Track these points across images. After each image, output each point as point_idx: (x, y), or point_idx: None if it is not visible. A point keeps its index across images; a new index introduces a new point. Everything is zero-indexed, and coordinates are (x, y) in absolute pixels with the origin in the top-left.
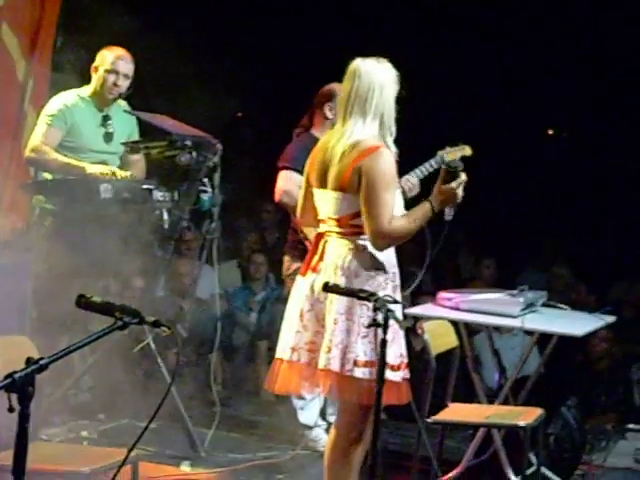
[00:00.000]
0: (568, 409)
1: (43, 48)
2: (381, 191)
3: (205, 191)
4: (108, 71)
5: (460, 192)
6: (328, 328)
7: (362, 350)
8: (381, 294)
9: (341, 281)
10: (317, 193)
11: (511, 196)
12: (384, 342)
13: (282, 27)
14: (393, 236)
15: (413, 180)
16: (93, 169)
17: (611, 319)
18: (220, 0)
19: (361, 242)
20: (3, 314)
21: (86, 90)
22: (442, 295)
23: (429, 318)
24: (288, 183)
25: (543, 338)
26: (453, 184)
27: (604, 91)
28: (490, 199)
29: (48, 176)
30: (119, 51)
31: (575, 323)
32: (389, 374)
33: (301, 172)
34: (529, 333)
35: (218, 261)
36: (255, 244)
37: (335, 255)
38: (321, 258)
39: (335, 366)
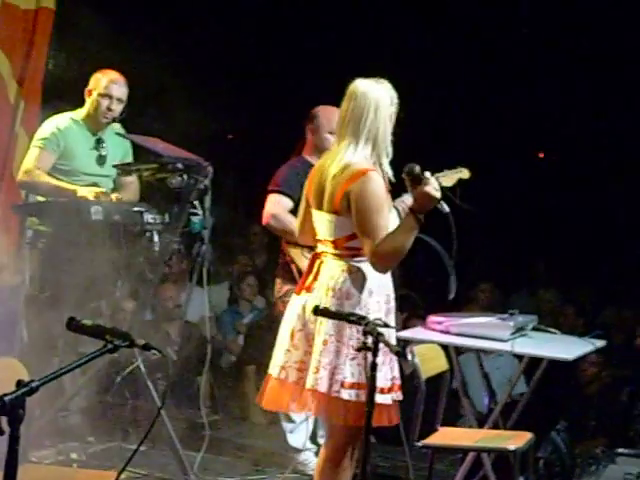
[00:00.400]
0: (558, 433)
1: (35, 70)
2: (372, 214)
3: (196, 214)
4: (102, 95)
5: (433, 190)
6: (317, 348)
7: (350, 372)
8: (372, 317)
9: (332, 302)
10: (314, 214)
11: (502, 219)
12: (374, 365)
13: (273, 47)
14: (383, 255)
15: (408, 201)
16: (84, 191)
17: (601, 343)
18: (213, 20)
19: (355, 264)
20: None
21: (79, 113)
22: (432, 319)
23: (419, 342)
24: (276, 206)
25: (532, 361)
26: (424, 187)
27: (597, 114)
28: (482, 222)
29: (40, 198)
30: (113, 75)
31: (565, 347)
32: (378, 397)
33: (290, 196)
34: (519, 357)
35: (209, 283)
36: (246, 266)
37: (328, 276)
38: (315, 278)
39: (323, 387)
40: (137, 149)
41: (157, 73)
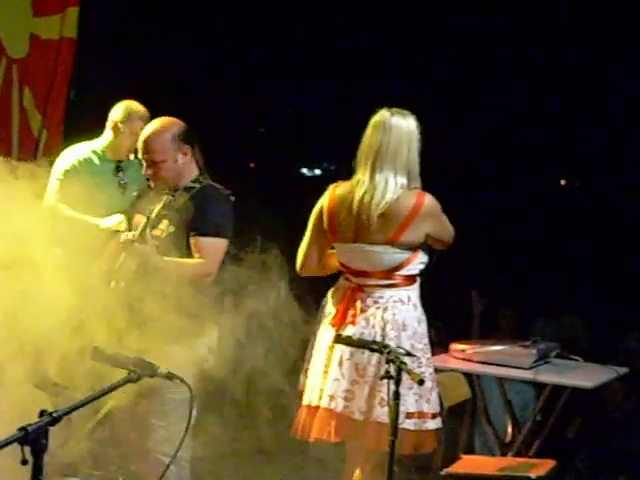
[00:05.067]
0: (581, 461)
1: (57, 100)
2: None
3: None
4: (133, 133)
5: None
6: (378, 380)
7: (410, 402)
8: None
9: (391, 335)
10: (348, 247)
11: (525, 245)
12: (397, 394)
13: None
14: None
15: None
16: (106, 224)
17: (623, 370)
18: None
19: (406, 292)
20: None
21: (99, 143)
22: (455, 346)
23: (442, 370)
24: None
25: (556, 388)
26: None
27: (617, 142)
28: (504, 248)
29: None
30: (145, 114)
31: (587, 375)
32: (431, 423)
33: None
34: (543, 385)
35: None
36: None
37: (382, 308)
38: (363, 310)
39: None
40: None
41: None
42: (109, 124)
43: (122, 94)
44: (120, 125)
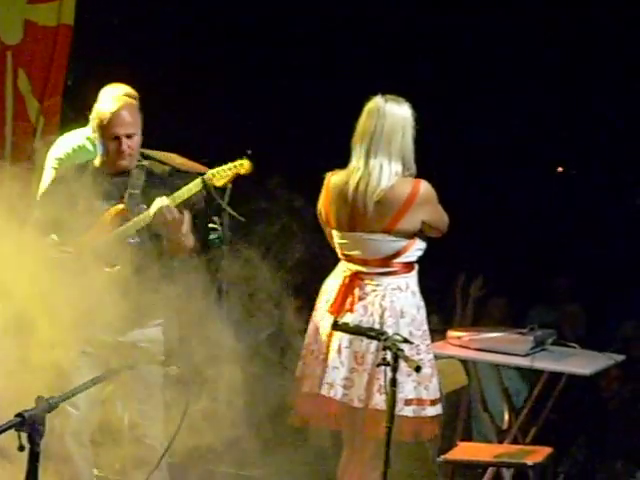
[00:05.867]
0: (578, 448)
1: (54, 87)
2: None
3: (215, 229)
4: None
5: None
6: (376, 368)
7: (409, 389)
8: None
9: (389, 322)
10: (345, 235)
11: (520, 233)
12: (394, 381)
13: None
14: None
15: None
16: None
17: (620, 358)
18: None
19: (404, 280)
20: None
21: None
22: (452, 334)
23: (439, 357)
24: None
25: (552, 376)
26: None
27: (615, 129)
28: (501, 236)
29: None
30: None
31: (584, 362)
32: (431, 409)
33: None
34: (538, 372)
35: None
36: None
37: (380, 295)
38: (361, 298)
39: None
40: None
41: (179, 90)
42: None
43: (120, 81)
44: None
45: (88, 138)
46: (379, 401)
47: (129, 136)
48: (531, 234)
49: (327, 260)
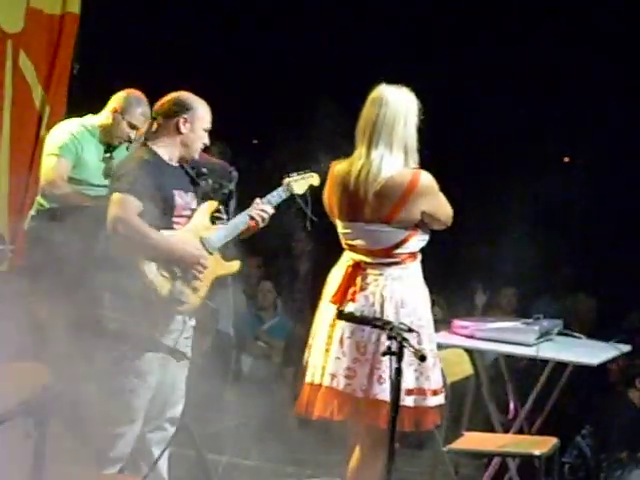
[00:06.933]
0: (583, 438)
1: (60, 75)
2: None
3: (221, 219)
4: (130, 125)
5: None
6: (377, 357)
7: (410, 379)
8: (424, 322)
9: (390, 311)
10: (347, 225)
11: (526, 224)
12: (399, 371)
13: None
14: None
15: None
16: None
17: (626, 348)
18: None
19: (405, 270)
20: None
21: (92, 121)
22: (457, 323)
23: (444, 346)
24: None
25: (558, 365)
26: None
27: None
28: (508, 227)
29: (44, 204)
30: (145, 106)
31: (590, 352)
32: (433, 399)
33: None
34: (544, 362)
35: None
36: (258, 270)
37: (381, 285)
38: (362, 288)
39: (389, 396)
40: None
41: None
42: (109, 109)
43: (125, 69)
44: (120, 114)
45: (87, 129)
46: (378, 391)
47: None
48: (536, 222)
49: None
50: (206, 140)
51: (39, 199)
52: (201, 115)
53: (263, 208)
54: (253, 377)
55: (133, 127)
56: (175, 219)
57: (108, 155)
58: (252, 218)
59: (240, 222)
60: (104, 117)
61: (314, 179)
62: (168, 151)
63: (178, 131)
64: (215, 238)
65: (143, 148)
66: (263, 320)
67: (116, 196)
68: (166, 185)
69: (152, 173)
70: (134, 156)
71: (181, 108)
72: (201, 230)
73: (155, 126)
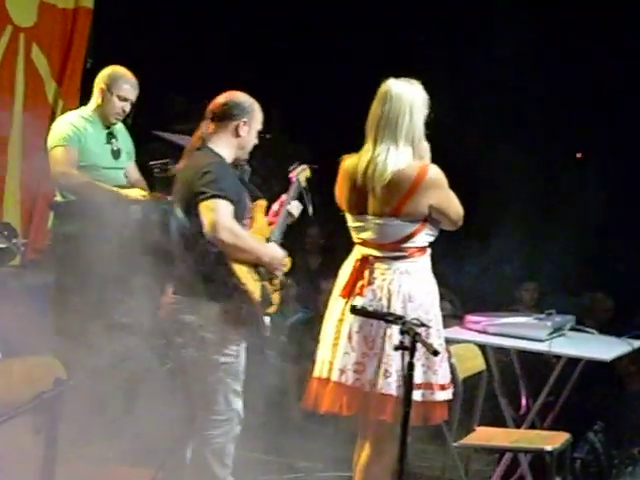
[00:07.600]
0: (595, 434)
1: (73, 69)
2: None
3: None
4: (120, 98)
5: None
6: (385, 352)
7: (417, 374)
8: (432, 317)
9: (397, 306)
10: (356, 218)
11: (539, 220)
12: (411, 365)
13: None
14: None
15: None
16: (124, 192)
17: (638, 344)
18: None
19: (413, 264)
20: (31, 334)
21: (87, 109)
22: (470, 318)
23: (456, 341)
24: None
25: (571, 361)
26: None
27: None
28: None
29: (59, 197)
30: (131, 78)
31: (603, 348)
32: (441, 394)
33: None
34: (557, 357)
35: None
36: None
37: (388, 279)
38: (370, 282)
39: (395, 390)
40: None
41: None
42: (96, 90)
43: (139, 64)
44: (108, 91)
45: (85, 118)
46: (384, 385)
47: None
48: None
49: None
50: (256, 141)
51: (57, 196)
52: (258, 118)
53: (294, 204)
54: (276, 371)
55: (124, 100)
56: (245, 221)
57: (111, 136)
58: (290, 214)
59: (285, 219)
60: (95, 99)
61: (307, 171)
62: (227, 153)
63: (237, 134)
64: (274, 238)
65: (207, 150)
66: (286, 315)
67: (213, 202)
68: (239, 187)
69: (231, 176)
70: (207, 160)
71: (241, 111)
72: (264, 230)
73: (212, 127)
